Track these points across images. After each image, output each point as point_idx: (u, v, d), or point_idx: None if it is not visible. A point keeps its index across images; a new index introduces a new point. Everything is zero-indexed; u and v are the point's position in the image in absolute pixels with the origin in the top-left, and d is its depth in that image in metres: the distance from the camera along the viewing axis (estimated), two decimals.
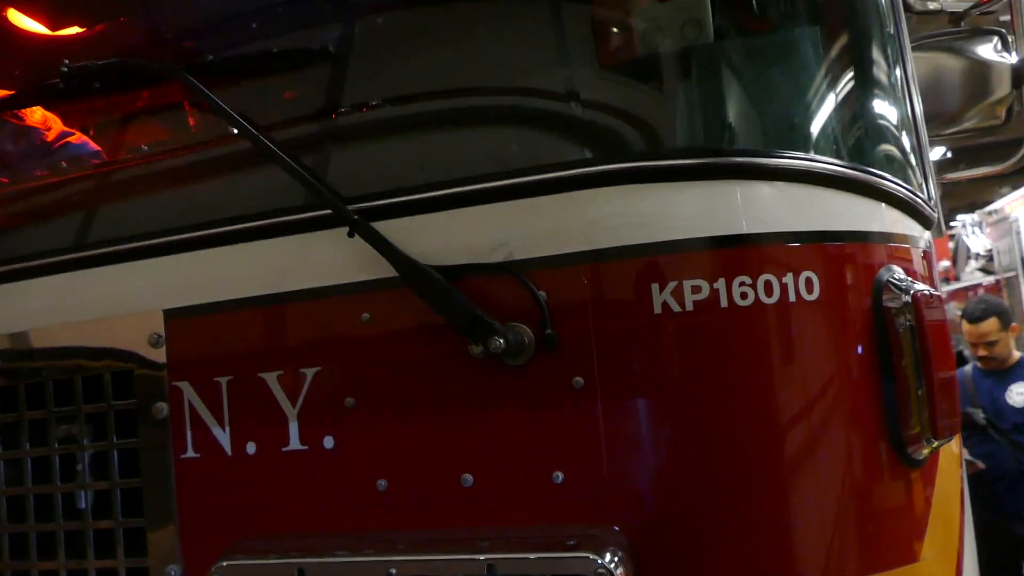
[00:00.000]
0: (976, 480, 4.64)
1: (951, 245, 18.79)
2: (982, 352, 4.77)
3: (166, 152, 1.46)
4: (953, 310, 15.35)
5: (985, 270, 13.80)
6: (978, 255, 15.08)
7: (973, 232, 16.10)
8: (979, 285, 13.52)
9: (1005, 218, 12.57)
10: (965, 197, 22.64)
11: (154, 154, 1.41)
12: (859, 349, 1.07)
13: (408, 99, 1.25)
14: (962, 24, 1.75)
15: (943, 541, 1.09)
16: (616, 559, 0.95)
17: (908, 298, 1.08)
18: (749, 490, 1.01)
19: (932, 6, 1.77)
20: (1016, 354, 4.81)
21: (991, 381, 4.73)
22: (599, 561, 0.94)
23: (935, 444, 1.07)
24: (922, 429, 1.07)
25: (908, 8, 1.68)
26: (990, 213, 15.04)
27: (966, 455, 4.44)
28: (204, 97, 1.18)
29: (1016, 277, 10.97)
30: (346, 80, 1.32)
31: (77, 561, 1.24)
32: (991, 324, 4.70)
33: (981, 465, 4.61)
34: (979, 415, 4.70)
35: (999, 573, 4.88)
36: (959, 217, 16.83)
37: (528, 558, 0.99)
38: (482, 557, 0.99)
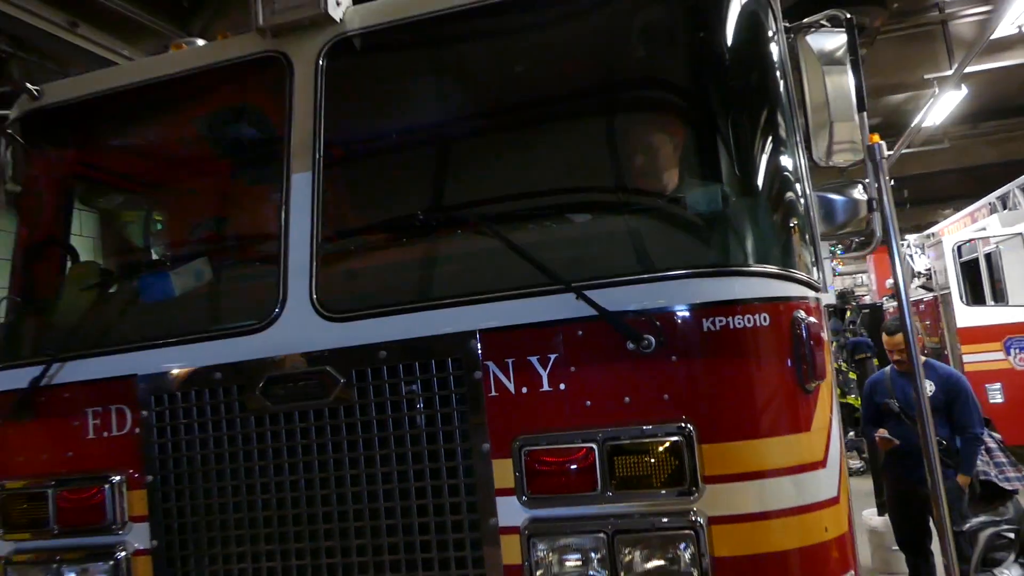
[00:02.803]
0: (892, 454, 5.96)
1: None
2: (896, 357, 6.07)
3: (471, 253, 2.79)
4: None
5: (926, 287, 14.85)
6: (919, 273, 16.09)
7: (916, 252, 17.19)
8: (920, 300, 14.52)
9: (940, 241, 13.71)
10: (912, 219, 24.06)
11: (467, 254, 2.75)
12: (787, 343, 2.48)
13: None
14: (842, 175, 3.19)
15: (821, 424, 2.49)
16: (690, 423, 2.35)
17: (803, 322, 2.50)
18: (740, 404, 2.41)
19: (832, 163, 3.19)
20: (922, 358, 6.21)
21: (903, 379, 5.98)
22: (682, 422, 2.34)
23: (815, 383, 2.48)
24: (809, 376, 2.48)
25: (815, 165, 3.10)
26: (928, 236, 16.06)
27: (885, 434, 5.78)
28: (501, 239, 2.57)
29: (949, 294, 12.19)
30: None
31: (433, 446, 2.52)
32: (902, 336, 6.11)
33: (896, 442, 5.81)
34: (895, 404, 5.92)
35: (913, 529, 6.11)
36: (907, 237, 18.02)
37: (644, 428, 2.38)
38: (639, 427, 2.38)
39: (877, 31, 9.30)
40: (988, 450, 7.67)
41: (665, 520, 2.29)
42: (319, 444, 2.59)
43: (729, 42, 2.80)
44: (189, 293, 3.01)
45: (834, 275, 23.76)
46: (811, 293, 2.57)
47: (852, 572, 2.48)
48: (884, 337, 6.15)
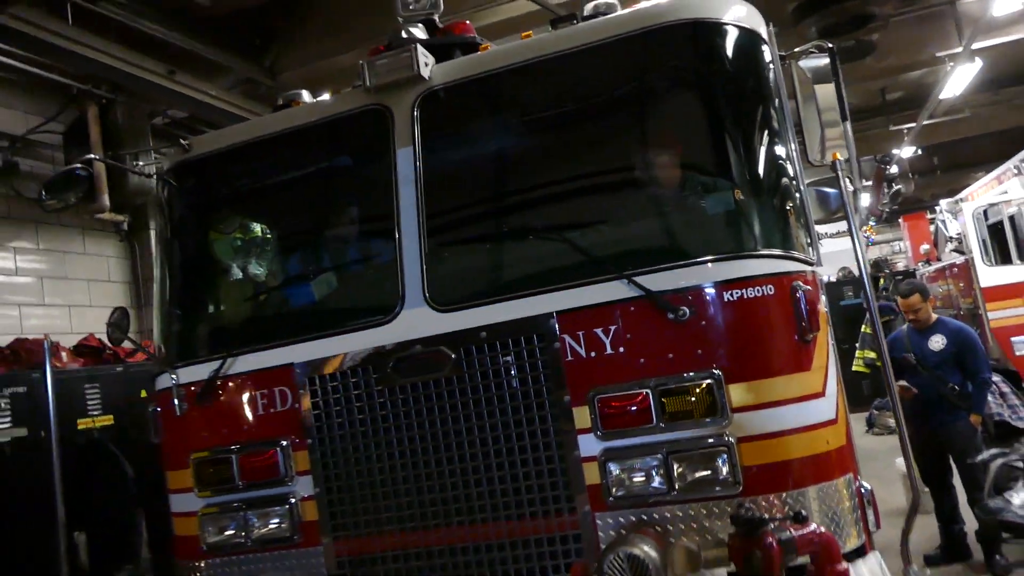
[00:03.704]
0: (911, 403, 6.70)
1: (932, 228, 20.18)
2: (911, 316, 6.74)
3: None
4: (935, 289, 16.86)
5: (958, 251, 15.31)
6: (951, 238, 16.53)
7: (948, 218, 17.58)
8: (954, 264, 15.00)
9: (993, 202, 14.10)
10: (945, 184, 24.34)
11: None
12: (788, 306, 3.26)
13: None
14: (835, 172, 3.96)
15: (819, 364, 3.25)
16: (718, 370, 3.14)
17: (799, 290, 3.27)
18: (755, 353, 3.20)
19: (824, 162, 3.95)
20: (934, 316, 6.78)
21: (918, 335, 6.65)
22: (712, 368, 3.14)
23: (812, 334, 3.26)
24: (807, 330, 3.26)
25: (809, 164, 3.87)
26: (957, 201, 16.48)
27: (904, 383, 6.51)
28: (567, 242, 3.41)
29: None
30: None
31: (527, 401, 3.34)
32: (915, 298, 6.73)
33: (915, 391, 6.57)
34: (911, 358, 6.52)
35: (934, 467, 6.59)
36: (940, 203, 18.44)
37: (684, 375, 3.18)
38: (680, 375, 3.19)
39: (888, 18, 9.92)
40: (1003, 394, 8.40)
41: (706, 441, 3.10)
42: (438, 406, 3.42)
43: (738, 74, 3.59)
44: (325, 298, 3.89)
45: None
46: (807, 268, 3.35)
47: (851, 474, 3.26)
48: (900, 300, 6.87)
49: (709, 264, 3.21)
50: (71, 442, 6.60)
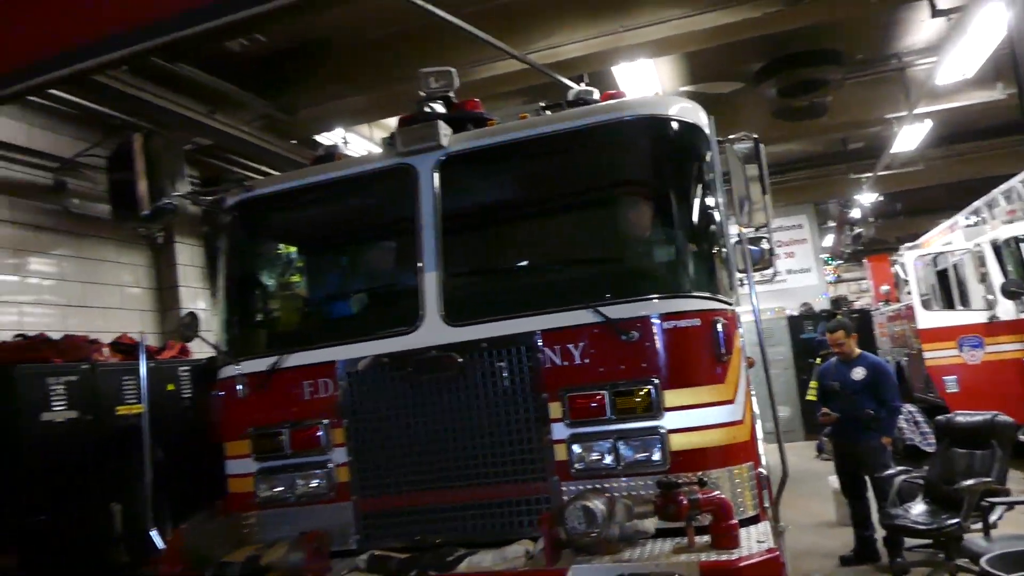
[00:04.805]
0: (835, 424, 7.91)
1: (893, 270, 21.47)
2: (836, 349, 8.04)
3: None
4: (893, 328, 18.00)
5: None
6: (906, 281, 17.80)
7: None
8: (909, 306, 16.22)
9: (926, 252, 15.39)
10: (909, 228, 25.79)
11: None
12: (710, 336, 4.37)
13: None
14: (757, 232, 5.15)
15: (732, 379, 4.33)
16: (657, 378, 4.26)
17: (719, 322, 4.40)
18: (684, 367, 4.32)
19: (751, 224, 5.12)
20: (857, 350, 8.00)
21: (843, 366, 7.84)
22: (653, 377, 4.26)
23: (727, 356, 4.37)
24: (723, 353, 4.39)
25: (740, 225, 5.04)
26: (911, 248, 17.79)
27: (825, 411, 7.71)
28: (549, 279, 4.56)
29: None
30: None
31: (514, 396, 4.49)
32: (840, 334, 7.89)
33: (836, 415, 7.85)
34: (836, 386, 7.83)
35: (851, 479, 7.88)
36: (902, 247, 19.80)
37: (632, 381, 4.30)
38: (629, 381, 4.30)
39: (839, 82, 11.21)
40: (917, 423, 9.67)
41: (645, 431, 4.23)
42: (446, 397, 4.52)
43: (682, 156, 4.76)
44: (360, 312, 5.01)
45: (829, 283, 25.43)
46: (728, 307, 4.51)
47: (752, 462, 4.40)
48: (828, 335, 8.09)
49: (655, 300, 4.35)
50: (110, 426, 7.62)
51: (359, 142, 11.68)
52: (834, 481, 9.34)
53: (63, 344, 7.80)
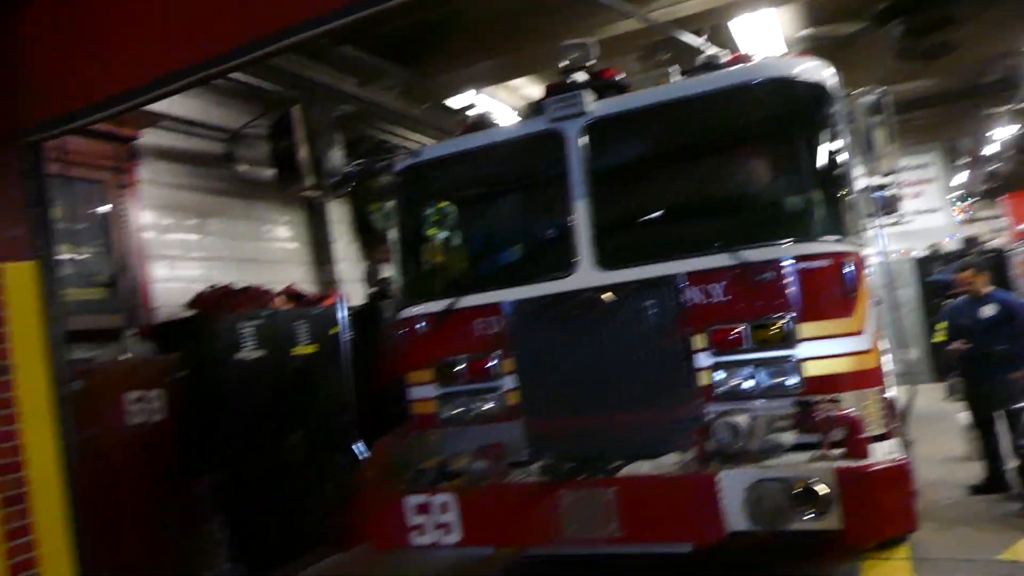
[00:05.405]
0: (966, 361, 8.11)
1: None
2: (966, 288, 8.27)
3: None
4: None
5: None
6: None
7: None
8: None
9: None
10: None
11: None
12: (838, 275, 4.84)
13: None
14: (884, 177, 5.53)
15: (860, 313, 4.83)
16: (792, 313, 4.81)
17: (847, 263, 4.87)
18: (817, 302, 4.81)
19: (878, 172, 5.51)
20: (986, 288, 8.21)
21: (974, 303, 7.93)
22: (788, 311, 4.82)
23: (855, 293, 4.88)
24: (851, 289, 4.88)
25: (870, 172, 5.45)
26: None
27: (956, 345, 7.96)
28: (693, 226, 5.15)
29: None
30: None
31: (663, 331, 5.11)
32: (968, 272, 8.14)
33: (964, 348, 8.03)
34: (967, 322, 8.17)
35: (981, 413, 8.02)
36: None
37: (769, 316, 4.86)
38: (766, 316, 4.88)
39: (971, 19, 10.97)
40: None
41: (780, 359, 4.78)
42: (601, 332, 5.20)
43: (810, 112, 5.19)
44: (522, 260, 5.73)
45: (962, 222, 24.54)
46: (855, 249, 4.97)
47: (880, 387, 4.89)
48: (957, 275, 8.28)
49: (789, 244, 4.87)
50: (287, 364, 8.71)
51: (487, 102, 12.34)
52: (964, 417, 9.50)
53: (248, 294, 8.92)
